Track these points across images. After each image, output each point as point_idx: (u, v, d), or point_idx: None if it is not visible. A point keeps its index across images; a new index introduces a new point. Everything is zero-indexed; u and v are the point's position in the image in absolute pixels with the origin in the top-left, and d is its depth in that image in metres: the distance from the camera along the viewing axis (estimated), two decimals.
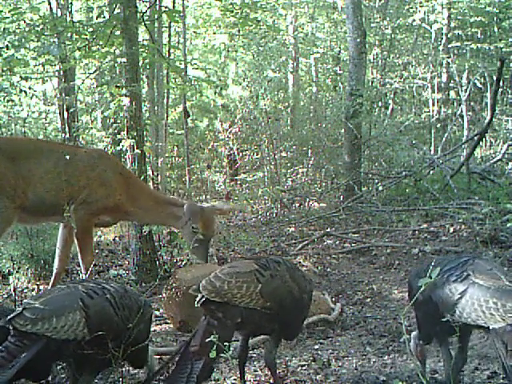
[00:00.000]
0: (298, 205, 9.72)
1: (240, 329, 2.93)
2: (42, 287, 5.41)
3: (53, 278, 4.78)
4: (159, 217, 4.94)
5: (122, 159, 9.07)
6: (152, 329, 3.49)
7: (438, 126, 15.31)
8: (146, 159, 5.98)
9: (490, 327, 2.64)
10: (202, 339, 2.77)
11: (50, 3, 9.73)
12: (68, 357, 2.76)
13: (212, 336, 2.64)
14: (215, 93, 12.15)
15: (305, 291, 3.10)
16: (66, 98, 9.85)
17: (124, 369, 3.25)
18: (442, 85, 16.13)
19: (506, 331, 2.60)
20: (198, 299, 2.88)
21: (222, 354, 2.65)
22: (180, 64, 10.22)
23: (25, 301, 2.81)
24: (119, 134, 5.87)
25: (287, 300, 2.98)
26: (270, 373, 3.14)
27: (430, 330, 3.00)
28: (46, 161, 4.48)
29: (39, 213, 4.53)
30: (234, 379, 3.34)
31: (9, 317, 2.62)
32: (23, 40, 6.90)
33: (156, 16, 7.56)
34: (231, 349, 2.79)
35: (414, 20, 15.64)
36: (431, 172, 9.89)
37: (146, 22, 6.45)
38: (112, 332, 2.75)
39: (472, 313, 2.67)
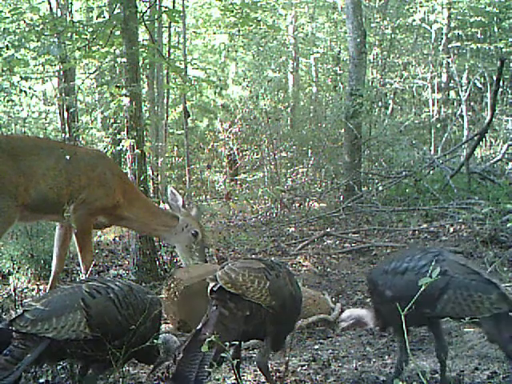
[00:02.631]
0: (297, 205, 9.72)
1: (246, 324, 2.94)
2: (42, 287, 5.41)
3: (51, 277, 4.78)
4: (151, 226, 4.97)
5: (122, 159, 9.07)
6: None
7: (438, 125, 15.32)
8: (146, 159, 5.98)
9: (480, 318, 2.80)
10: (214, 328, 2.77)
11: (50, 3, 9.74)
12: (73, 356, 2.76)
13: (217, 333, 2.66)
14: (215, 93, 12.17)
15: (300, 297, 3.14)
16: (66, 97, 9.85)
17: (124, 368, 3.25)
18: (442, 85, 16.14)
19: (500, 319, 2.80)
20: (211, 287, 2.89)
21: (223, 354, 2.65)
22: (180, 64, 10.22)
23: (25, 301, 2.82)
24: (119, 133, 5.87)
25: (288, 300, 3.01)
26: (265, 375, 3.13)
27: (396, 323, 3.03)
28: (47, 158, 4.48)
29: (40, 211, 4.52)
30: (234, 379, 3.33)
31: (10, 319, 2.65)
32: (23, 40, 6.91)
33: (156, 16, 7.56)
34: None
35: (414, 20, 15.65)
36: (431, 172, 9.89)
37: (146, 22, 6.45)
38: (115, 331, 2.74)
39: (456, 307, 2.83)
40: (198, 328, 2.87)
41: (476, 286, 2.83)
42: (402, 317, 2.26)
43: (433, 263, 2.89)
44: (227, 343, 2.63)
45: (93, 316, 2.70)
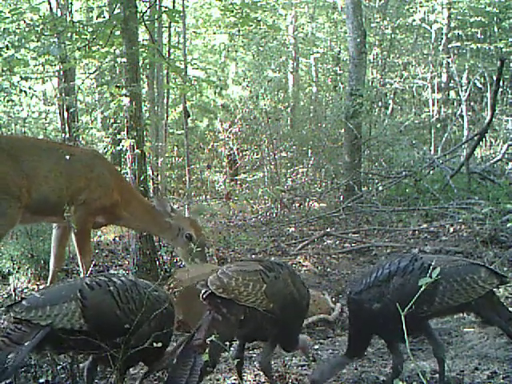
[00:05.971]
0: (297, 205, 9.72)
1: (242, 327, 2.91)
2: (41, 287, 5.41)
3: (50, 276, 4.79)
4: (147, 224, 5.00)
5: (122, 159, 9.07)
6: None
7: (438, 125, 15.33)
8: (146, 159, 5.97)
9: (477, 300, 2.88)
10: (206, 333, 2.74)
11: (50, 3, 9.73)
12: (74, 348, 2.78)
13: (214, 336, 2.62)
14: (215, 93, 12.18)
15: (304, 297, 3.08)
16: (66, 97, 9.85)
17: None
18: (442, 85, 16.15)
19: (492, 300, 2.94)
20: (203, 293, 2.86)
21: (223, 353, 2.64)
22: (180, 64, 10.21)
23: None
24: (119, 133, 5.86)
25: (289, 303, 2.96)
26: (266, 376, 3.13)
27: (388, 333, 3.03)
28: (47, 159, 4.47)
29: (41, 213, 4.50)
30: (234, 379, 3.33)
31: (8, 305, 2.74)
32: (23, 40, 6.89)
33: (156, 16, 7.55)
34: (231, 349, 2.77)
35: (414, 20, 15.67)
36: (431, 172, 9.90)
37: (146, 22, 6.45)
38: (114, 325, 2.73)
39: (454, 294, 2.88)
40: (191, 334, 2.86)
41: (464, 269, 2.92)
42: (400, 322, 2.24)
43: (413, 261, 2.95)
44: (228, 341, 2.62)
45: (88, 307, 2.70)
